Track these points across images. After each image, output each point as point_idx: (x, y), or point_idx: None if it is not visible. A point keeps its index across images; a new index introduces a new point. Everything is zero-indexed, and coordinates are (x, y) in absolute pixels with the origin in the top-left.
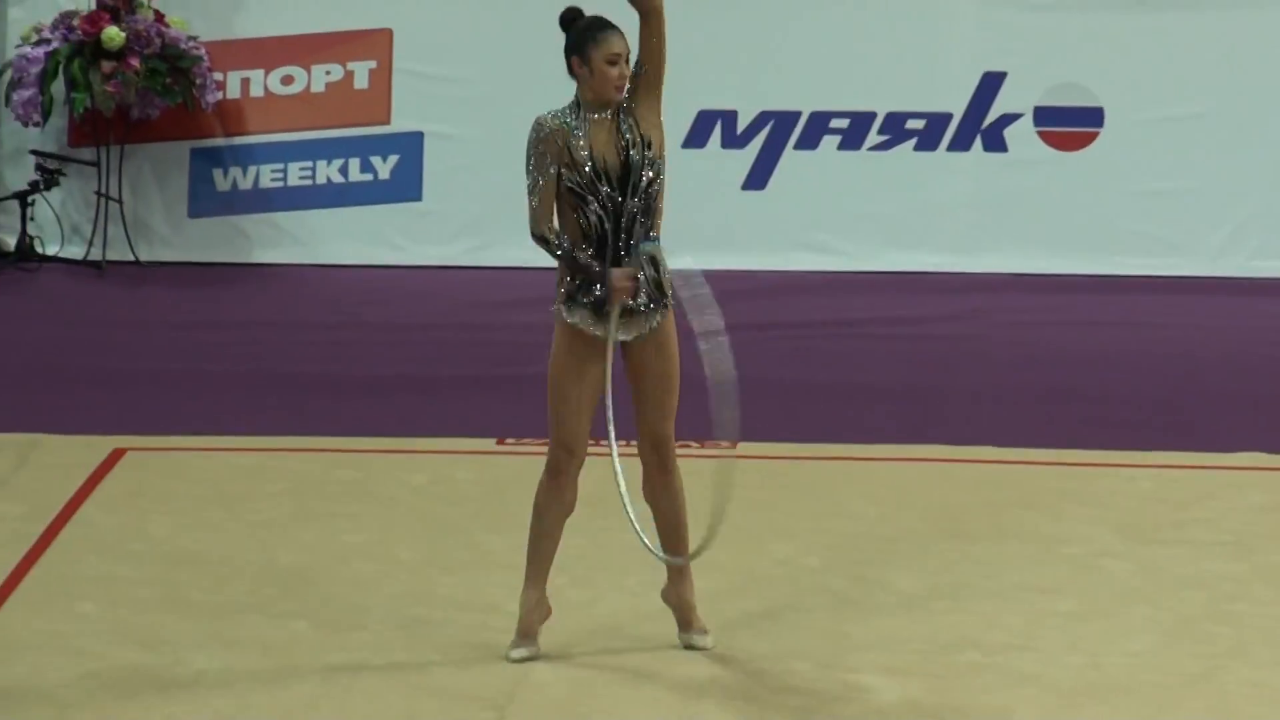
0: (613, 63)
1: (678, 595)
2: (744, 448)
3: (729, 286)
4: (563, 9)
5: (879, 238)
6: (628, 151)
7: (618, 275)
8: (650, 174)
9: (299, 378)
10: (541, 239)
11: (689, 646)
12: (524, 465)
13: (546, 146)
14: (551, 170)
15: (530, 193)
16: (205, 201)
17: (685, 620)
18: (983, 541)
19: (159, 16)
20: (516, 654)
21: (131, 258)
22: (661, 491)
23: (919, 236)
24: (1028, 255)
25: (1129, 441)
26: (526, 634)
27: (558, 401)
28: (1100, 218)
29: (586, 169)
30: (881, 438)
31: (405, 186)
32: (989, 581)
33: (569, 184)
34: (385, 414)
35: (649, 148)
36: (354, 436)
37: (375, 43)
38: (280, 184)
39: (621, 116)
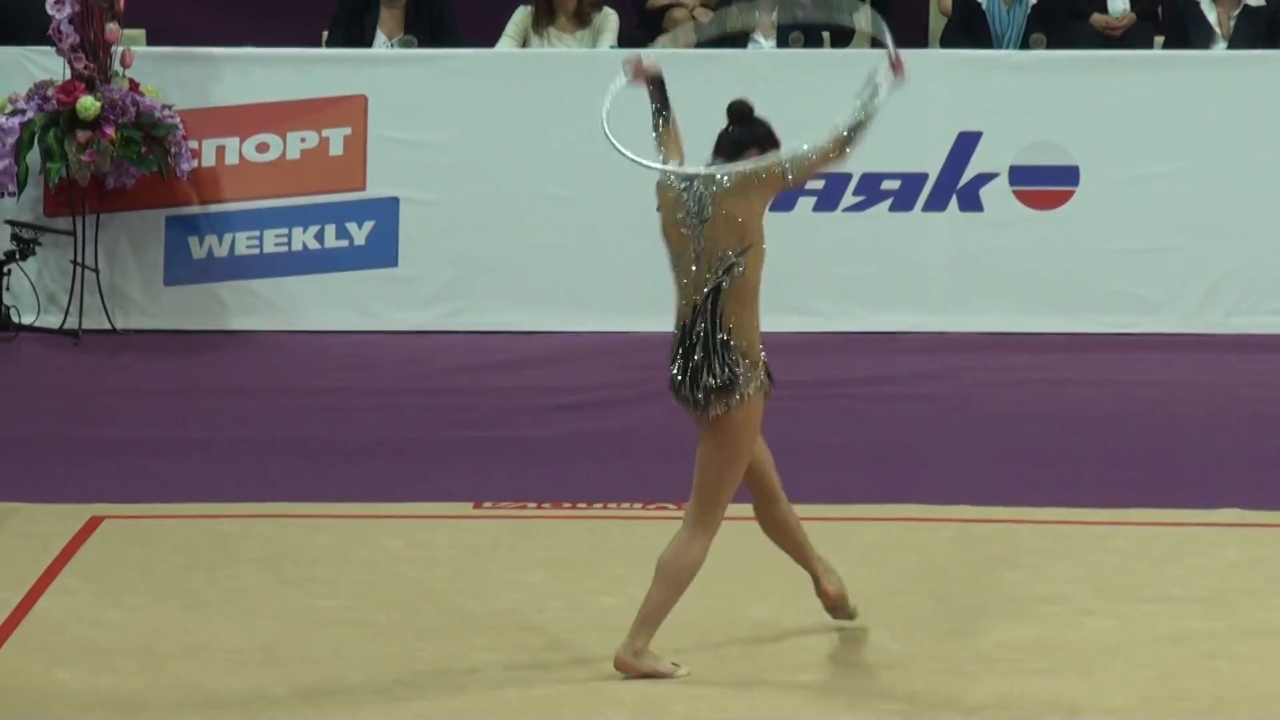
0: None
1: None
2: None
3: None
4: (735, 102)
5: (855, 298)
6: None
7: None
8: None
9: (276, 444)
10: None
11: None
12: (501, 529)
13: None
14: None
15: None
16: (181, 269)
17: (846, 600)
18: (962, 600)
19: (134, 85)
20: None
21: (108, 326)
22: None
23: (895, 297)
24: (1004, 314)
25: (1107, 499)
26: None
27: (739, 475)
28: (1076, 276)
29: None
30: (859, 498)
31: (381, 252)
32: (969, 640)
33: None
34: (362, 479)
35: None
36: (331, 502)
37: (350, 109)
38: (256, 251)
39: None
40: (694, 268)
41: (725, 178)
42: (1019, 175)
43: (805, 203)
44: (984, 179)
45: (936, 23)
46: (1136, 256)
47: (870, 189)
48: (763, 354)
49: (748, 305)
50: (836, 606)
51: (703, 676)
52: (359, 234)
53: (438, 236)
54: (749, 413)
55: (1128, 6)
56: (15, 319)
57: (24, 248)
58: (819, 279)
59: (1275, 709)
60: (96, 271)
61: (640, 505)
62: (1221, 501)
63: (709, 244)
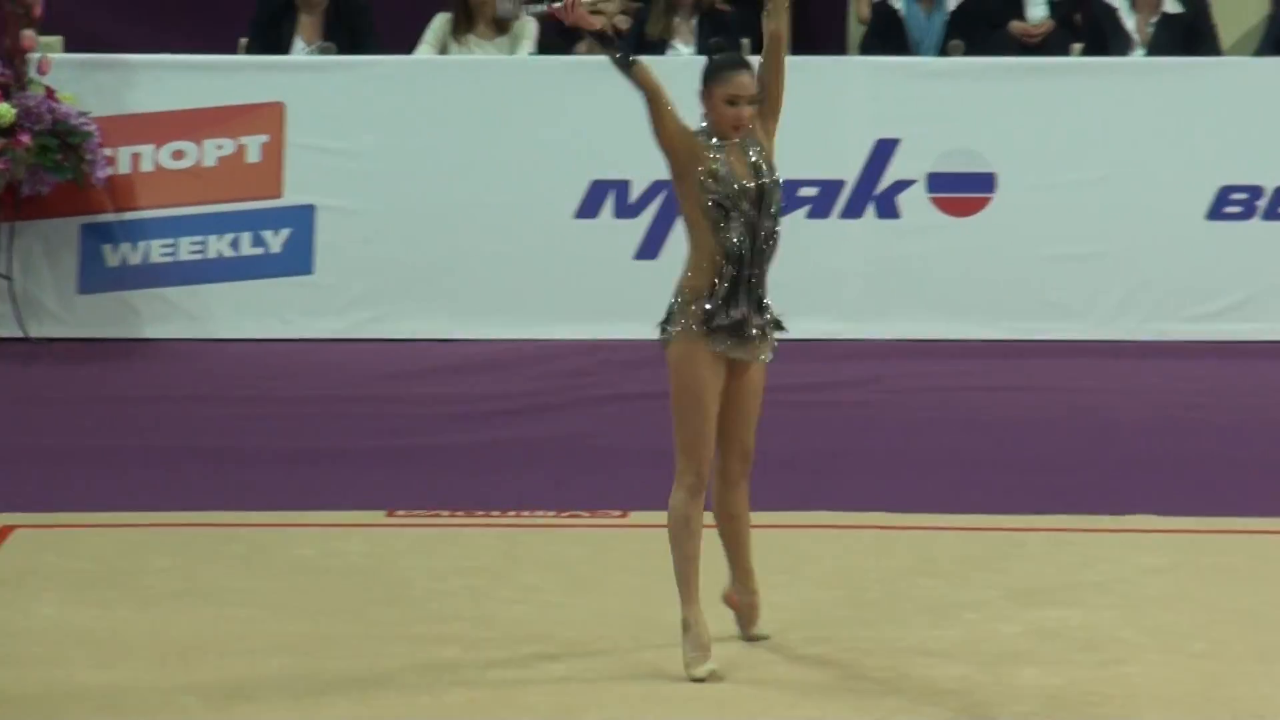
0: (731, 103)
1: (744, 597)
2: (637, 518)
3: (622, 356)
4: (711, 40)
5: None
6: (758, 175)
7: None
8: (780, 197)
9: (190, 453)
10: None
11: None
12: (415, 537)
13: (685, 135)
14: (680, 124)
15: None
16: (95, 277)
17: (750, 620)
18: (878, 606)
19: (50, 92)
20: (705, 670)
21: (20, 334)
22: (742, 501)
23: (813, 303)
24: (921, 321)
25: (1022, 505)
26: (707, 648)
27: (701, 423)
28: (993, 283)
29: (732, 185)
30: (776, 505)
31: (297, 260)
32: (883, 645)
33: (713, 197)
34: (275, 487)
35: (774, 172)
36: (243, 510)
37: (267, 116)
38: (171, 259)
39: (749, 141)
40: None
41: None
42: (936, 182)
43: None
44: (901, 186)
45: (854, 30)
46: (1053, 263)
47: (787, 195)
48: (710, 304)
49: (691, 243)
50: (741, 621)
51: (615, 683)
52: (275, 241)
53: (355, 244)
54: (676, 355)
55: (1046, 13)
56: None
57: None
58: None
59: (1185, 713)
60: (10, 280)
61: (554, 513)
62: (1136, 507)
63: None
